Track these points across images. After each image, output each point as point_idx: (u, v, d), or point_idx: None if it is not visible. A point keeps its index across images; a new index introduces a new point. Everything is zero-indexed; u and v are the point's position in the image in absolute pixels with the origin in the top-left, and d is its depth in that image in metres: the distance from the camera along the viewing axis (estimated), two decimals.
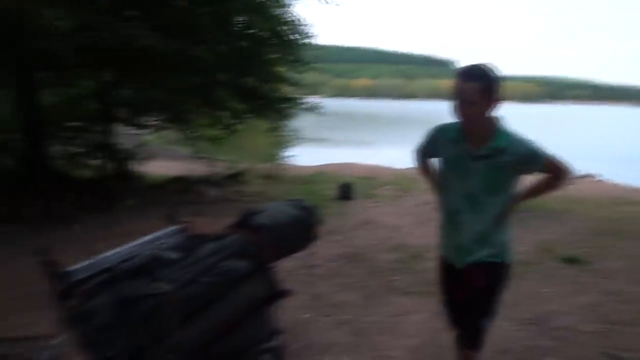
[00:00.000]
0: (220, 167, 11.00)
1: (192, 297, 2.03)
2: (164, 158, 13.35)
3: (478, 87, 2.04)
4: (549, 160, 2.18)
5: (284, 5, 8.82)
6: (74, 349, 1.77)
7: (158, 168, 10.92)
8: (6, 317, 3.32)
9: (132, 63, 7.70)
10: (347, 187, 8.73)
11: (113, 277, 1.89)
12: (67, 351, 1.68)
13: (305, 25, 9.12)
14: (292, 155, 13.81)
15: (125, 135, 10.68)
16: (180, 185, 8.73)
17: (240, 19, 7.77)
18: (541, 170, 2.22)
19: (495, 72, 2.12)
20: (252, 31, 8.48)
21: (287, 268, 4.54)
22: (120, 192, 7.35)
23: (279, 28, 8.54)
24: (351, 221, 7.00)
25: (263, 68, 8.81)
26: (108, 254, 2.18)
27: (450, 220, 2.31)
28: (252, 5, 7.96)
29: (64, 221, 5.84)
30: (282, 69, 9.41)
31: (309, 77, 11.32)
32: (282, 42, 8.93)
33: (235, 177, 10.08)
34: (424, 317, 3.69)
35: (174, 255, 2.31)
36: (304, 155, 15.01)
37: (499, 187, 2.16)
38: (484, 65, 2.12)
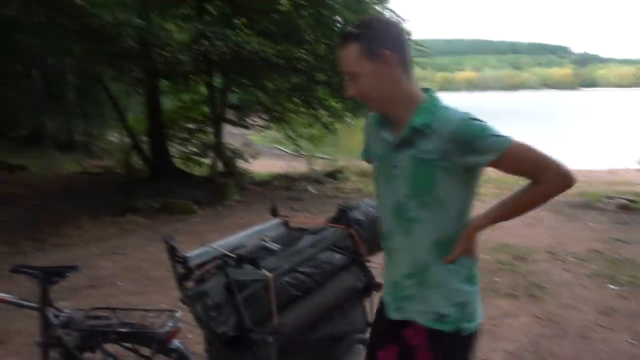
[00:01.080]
0: (320, 165, 11.34)
1: (291, 285, 2.18)
2: (268, 156, 14.13)
3: (354, 50, 1.38)
4: (519, 151, 1.35)
5: (381, 2, 8.82)
6: (194, 324, 2.02)
7: (262, 166, 11.58)
8: (137, 295, 3.82)
9: (238, 68, 8.30)
10: None
11: (223, 264, 2.10)
12: (182, 326, 1.92)
13: (403, 20, 9.03)
14: None
15: (233, 135, 11.52)
16: (283, 182, 9.18)
17: (338, 18, 7.93)
18: (504, 167, 1.38)
19: (384, 22, 1.50)
20: None
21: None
22: (229, 188, 7.95)
23: None
24: None
25: None
26: (219, 242, 2.43)
27: (385, 248, 1.64)
28: (350, 4, 8.08)
29: (181, 214, 6.49)
30: None
31: None
32: None
33: (333, 175, 10.32)
34: (525, 321, 3.51)
35: (276, 246, 2.50)
36: None
37: (431, 194, 1.40)
38: (364, 18, 1.51)
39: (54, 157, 11.58)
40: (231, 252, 2.29)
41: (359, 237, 2.51)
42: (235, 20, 8.32)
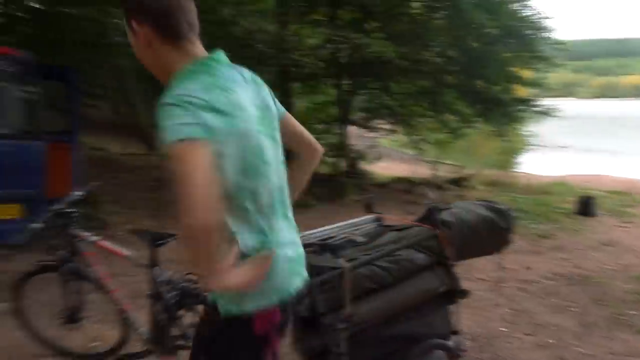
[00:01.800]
0: (445, 171, 10.96)
1: (367, 277, 2.21)
2: (392, 159, 14.09)
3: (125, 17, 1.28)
4: (177, 162, 1.07)
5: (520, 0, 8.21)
6: None
7: (385, 168, 11.60)
8: None
9: (365, 71, 8.46)
10: (587, 201, 7.55)
11: (307, 248, 2.23)
12: None
13: (547, 18, 8.27)
14: (526, 163, 12.64)
15: (359, 137, 11.74)
16: (403, 186, 9.11)
17: (471, 19, 7.59)
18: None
19: None
20: (484, 31, 8.19)
21: (494, 278, 4.32)
22: (349, 187, 8.16)
23: (513, 24, 7.99)
24: (586, 240, 6.07)
25: (494, 68, 8.39)
26: (312, 231, 2.57)
27: None
28: (485, 5, 7.69)
29: (299, 207, 6.87)
30: (516, 69, 8.75)
31: (557, 77, 10.18)
32: (519, 39, 8.32)
33: (458, 182, 9.89)
34: None
35: (361, 239, 2.56)
36: (542, 164, 13.54)
37: None
38: None
39: None
40: (319, 241, 2.41)
41: (445, 239, 2.44)
42: (366, 25, 8.51)
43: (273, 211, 1.31)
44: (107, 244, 2.38)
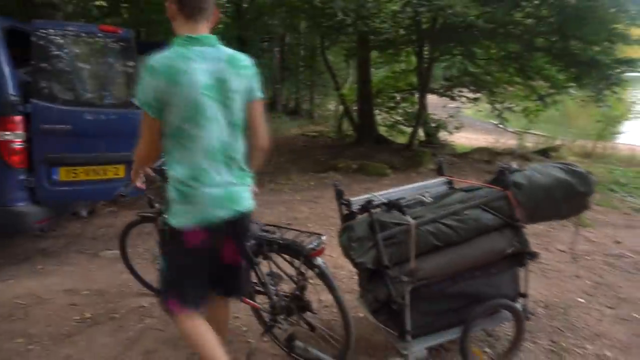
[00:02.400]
0: (532, 142, 10.33)
1: (432, 234, 2.28)
2: (475, 129, 13.51)
3: None
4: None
5: None
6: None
7: (467, 139, 11.19)
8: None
9: (448, 37, 8.10)
10: None
11: (369, 205, 2.34)
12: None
13: None
14: (629, 133, 11.45)
15: (440, 107, 11.40)
16: (484, 156, 8.77)
17: None
18: None
19: None
20: None
21: (577, 250, 4.13)
22: (425, 157, 8.04)
23: None
24: None
25: (593, 27, 7.59)
26: (382, 192, 2.67)
27: None
28: None
29: (375, 175, 6.95)
30: (619, 27, 7.85)
31: None
32: None
33: (545, 152, 9.29)
34: None
35: (429, 199, 2.61)
36: None
37: None
38: None
39: (282, 121, 13.57)
40: (388, 200, 2.50)
41: (515, 200, 2.41)
42: None
43: (212, 156, 1.76)
44: None
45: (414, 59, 9.81)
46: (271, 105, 16.41)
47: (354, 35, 7.85)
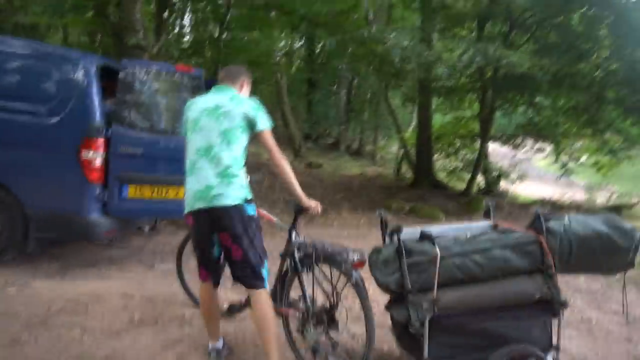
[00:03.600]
0: (601, 196, 9.77)
1: (457, 267, 2.33)
2: (544, 181, 12.96)
3: None
4: None
5: None
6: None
7: (528, 189, 10.79)
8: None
9: (511, 85, 8.08)
10: None
11: (397, 231, 2.44)
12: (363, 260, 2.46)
13: None
14: None
15: (509, 156, 11.16)
16: (545, 208, 8.41)
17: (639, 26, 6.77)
18: None
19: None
20: None
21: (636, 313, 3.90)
22: (481, 204, 7.88)
23: None
24: None
25: None
26: (429, 227, 2.74)
27: None
28: None
29: (426, 218, 6.93)
30: None
31: None
32: None
33: (617, 209, 8.74)
34: None
35: (464, 236, 2.65)
36: None
37: None
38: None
39: (344, 161, 13.87)
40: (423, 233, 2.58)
41: (548, 246, 2.40)
42: (512, 37, 8.18)
43: (197, 158, 2.36)
44: (263, 211, 2.84)
45: (475, 106, 9.81)
46: (334, 145, 16.86)
47: (414, 80, 8.06)
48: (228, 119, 2.35)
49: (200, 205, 2.31)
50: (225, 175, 2.32)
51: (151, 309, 3.08)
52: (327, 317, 2.48)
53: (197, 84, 4.32)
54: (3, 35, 4.56)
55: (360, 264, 2.44)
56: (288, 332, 2.62)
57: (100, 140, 3.76)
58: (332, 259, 2.47)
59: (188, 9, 12.32)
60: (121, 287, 3.41)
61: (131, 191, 3.94)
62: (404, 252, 2.34)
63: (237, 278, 2.40)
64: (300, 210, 2.67)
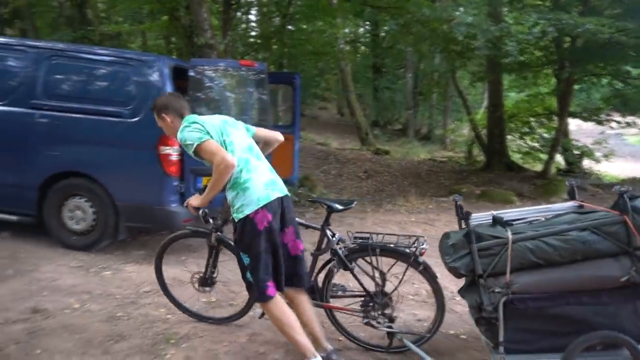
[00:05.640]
0: None
1: (531, 251, 2.23)
2: (631, 158, 11.86)
3: None
4: None
5: None
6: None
7: (618, 168, 9.92)
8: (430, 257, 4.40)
9: (592, 55, 7.44)
10: None
11: (466, 215, 2.38)
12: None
13: None
14: None
15: (587, 132, 10.36)
16: (635, 188, 7.71)
17: None
18: None
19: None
20: None
21: None
22: (562, 187, 7.38)
23: None
24: None
25: None
26: (504, 211, 2.64)
27: None
28: None
29: (499, 202, 6.62)
30: None
31: None
32: None
33: None
34: None
35: (542, 219, 2.53)
36: None
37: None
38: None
39: (413, 146, 13.60)
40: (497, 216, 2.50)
41: (635, 227, 2.22)
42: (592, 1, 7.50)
43: (250, 157, 2.36)
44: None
45: (552, 80, 9.15)
46: (402, 131, 16.55)
47: (482, 58, 7.67)
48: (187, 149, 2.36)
49: (277, 194, 2.33)
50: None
51: (227, 292, 3.27)
52: (389, 301, 2.57)
53: (261, 78, 4.46)
54: (91, 45, 4.98)
55: (424, 251, 2.50)
56: (337, 323, 2.67)
57: None
58: (393, 251, 2.54)
59: (254, 3, 12.65)
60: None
61: (205, 182, 4.17)
62: (473, 236, 2.29)
63: (294, 277, 2.39)
64: (332, 209, 2.65)
